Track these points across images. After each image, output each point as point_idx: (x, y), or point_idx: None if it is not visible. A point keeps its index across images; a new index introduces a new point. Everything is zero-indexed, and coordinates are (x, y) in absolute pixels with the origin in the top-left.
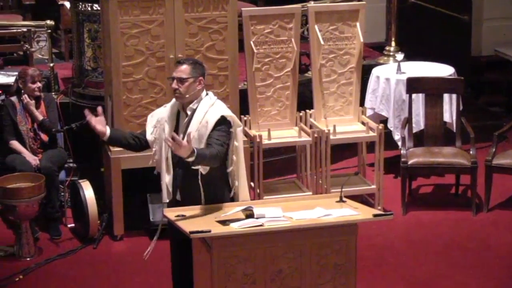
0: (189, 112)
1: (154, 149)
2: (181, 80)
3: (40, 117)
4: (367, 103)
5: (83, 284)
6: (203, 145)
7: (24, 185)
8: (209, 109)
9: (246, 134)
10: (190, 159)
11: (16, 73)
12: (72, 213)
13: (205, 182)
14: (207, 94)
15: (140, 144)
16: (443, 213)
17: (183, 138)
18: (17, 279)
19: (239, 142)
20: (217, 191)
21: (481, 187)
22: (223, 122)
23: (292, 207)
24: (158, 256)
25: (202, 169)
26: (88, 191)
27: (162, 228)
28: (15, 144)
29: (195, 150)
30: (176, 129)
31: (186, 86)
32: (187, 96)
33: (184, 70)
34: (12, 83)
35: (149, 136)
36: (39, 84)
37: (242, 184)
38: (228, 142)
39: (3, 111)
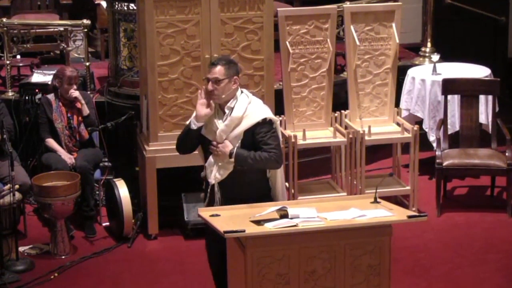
0: (227, 111)
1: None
2: (216, 81)
3: (88, 111)
4: (402, 104)
5: (117, 282)
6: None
7: (60, 184)
8: (248, 106)
9: (281, 134)
10: (231, 160)
11: (53, 72)
12: (106, 211)
13: (245, 181)
14: (242, 92)
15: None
16: (478, 215)
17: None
18: (52, 276)
19: (280, 135)
20: (256, 192)
21: None
22: (267, 123)
23: (327, 207)
24: (192, 256)
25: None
26: (122, 190)
27: (197, 227)
28: (51, 142)
29: (233, 151)
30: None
31: (222, 87)
32: (223, 96)
33: (218, 71)
34: (49, 82)
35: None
36: (75, 87)
37: (279, 184)
38: (279, 142)
39: (39, 109)
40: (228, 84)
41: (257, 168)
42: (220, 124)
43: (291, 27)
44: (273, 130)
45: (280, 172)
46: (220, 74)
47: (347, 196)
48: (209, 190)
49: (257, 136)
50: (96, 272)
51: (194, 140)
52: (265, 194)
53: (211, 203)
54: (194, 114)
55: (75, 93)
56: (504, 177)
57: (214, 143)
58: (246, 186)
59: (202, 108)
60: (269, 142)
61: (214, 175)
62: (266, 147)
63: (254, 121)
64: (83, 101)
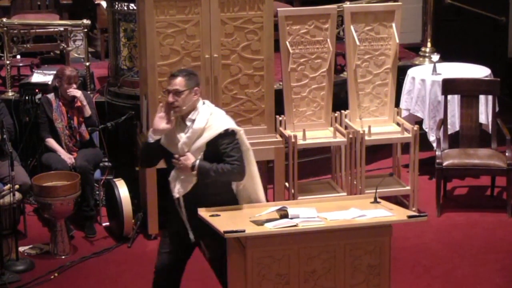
0: (188, 123)
1: None
2: (177, 93)
3: (90, 112)
4: (402, 104)
5: (118, 282)
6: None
7: (60, 184)
8: (209, 118)
9: (281, 134)
10: (194, 172)
11: (53, 72)
12: (106, 211)
13: (209, 194)
14: (203, 103)
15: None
16: (478, 215)
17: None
18: (52, 276)
19: (246, 146)
20: (221, 204)
21: None
22: (229, 134)
23: (327, 207)
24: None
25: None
26: (123, 190)
27: None
28: (51, 142)
29: (196, 164)
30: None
31: (183, 99)
32: (184, 108)
33: (179, 82)
34: (48, 82)
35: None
36: (74, 86)
37: (257, 185)
38: (241, 154)
39: (39, 109)
40: (189, 95)
41: (220, 181)
42: (182, 137)
43: (291, 27)
44: (236, 141)
45: (257, 183)
46: (180, 85)
47: (347, 196)
48: (174, 204)
49: (219, 148)
50: (96, 272)
51: (156, 153)
52: (228, 196)
53: (176, 217)
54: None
55: (76, 92)
56: (504, 177)
57: (176, 156)
58: (211, 198)
59: (160, 122)
60: (231, 154)
61: (178, 188)
62: (229, 159)
63: (216, 132)
64: (85, 102)
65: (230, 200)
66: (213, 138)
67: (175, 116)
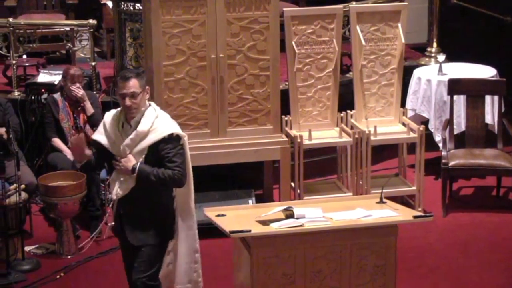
0: (133, 125)
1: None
2: (134, 95)
3: (92, 110)
4: (408, 104)
5: (123, 282)
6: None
7: (65, 183)
8: (155, 121)
9: (287, 134)
10: (134, 175)
11: (59, 72)
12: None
13: (147, 199)
14: (150, 105)
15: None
16: (484, 215)
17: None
18: (58, 276)
19: (187, 151)
20: (158, 210)
21: None
22: (174, 139)
23: (332, 207)
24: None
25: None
26: None
27: (204, 227)
28: (57, 141)
29: (136, 167)
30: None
31: (139, 100)
32: (142, 109)
33: (133, 84)
34: (54, 82)
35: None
36: (77, 85)
37: (190, 194)
38: (184, 160)
39: (45, 109)
40: (144, 96)
41: (160, 186)
42: (124, 139)
43: (297, 27)
44: (179, 147)
45: (190, 192)
46: (135, 87)
47: (353, 196)
48: (112, 205)
49: (162, 152)
50: (102, 272)
51: (98, 162)
52: (168, 214)
53: (116, 220)
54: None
55: (78, 91)
56: (510, 177)
57: (118, 158)
58: (148, 203)
59: (78, 152)
60: (174, 160)
61: (116, 190)
62: (171, 164)
63: (160, 136)
64: (86, 99)
65: (167, 206)
66: (156, 142)
67: (130, 117)
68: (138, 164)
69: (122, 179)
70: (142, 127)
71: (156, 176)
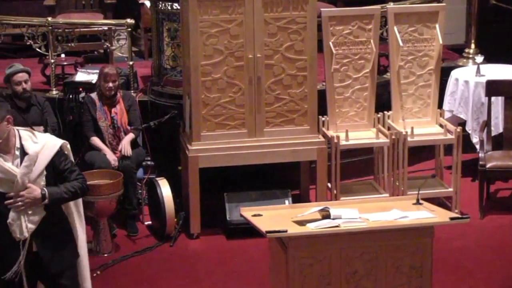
0: (16, 152)
1: None
2: None
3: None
4: (446, 106)
5: (159, 281)
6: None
7: (103, 182)
8: (39, 139)
9: (324, 134)
10: (45, 203)
11: (96, 71)
12: (149, 210)
13: (55, 220)
14: (17, 130)
15: None
16: None
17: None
18: (94, 274)
19: None
20: (61, 230)
21: None
22: (61, 152)
23: (369, 208)
24: (234, 256)
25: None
26: (165, 189)
27: (239, 227)
28: (96, 140)
29: (45, 192)
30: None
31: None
32: (4, 136)
33: None
34: (92, 81)
35: None
36: (110, 84)
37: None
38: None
39: (83, 108)
40: (4, 127)
41: (72, 200)
42: (15, 169)
43: (334, 28)
44: (66, 155)
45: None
46: None
47: (389, 197)
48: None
49: (59, 167)
50: (138, 270)
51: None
52: (68, 222)
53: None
54: None
55: (127, 151)
56: None
57: (12, 194)
58: (56, 222)
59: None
60: (73, 169)
61: (25, 227)
62: (73, 174)
63: (53, 151)
64: (127, 151)
65: (65, 221)
66: (52, 157)
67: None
68: (45, 189)
69: (30, 212)
70: (32, 149)
71: (68, 192)
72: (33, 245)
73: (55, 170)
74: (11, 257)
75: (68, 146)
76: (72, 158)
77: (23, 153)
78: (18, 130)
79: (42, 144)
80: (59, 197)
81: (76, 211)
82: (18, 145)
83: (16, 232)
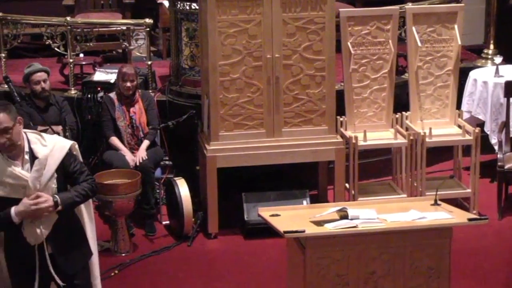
0: (26, 156)
1: None
2: (6, 131)
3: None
4: (464, 106)
5: (177, 281)
6: (53, 185)
7: (121, 181)
8: (47, 141)
9: (342, 135)
10: (59, 209)
11: (115, 70)
12: (167, 210)
13: (62, 223)
14: (25, 133)
15: None
16: None
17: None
18: (112, 274)
19: None
20: (71, 230)
21: None
22: (70, 154)
23: (387, 209)
24: (252, 256)
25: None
26: (183, 189)
27: (257, 227)
28: (115, 140)
29: (57, 199)
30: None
31: (15, 134)
32: (19, 142)
33: (4, 119)
34: (110, 80)
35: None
36: (128, 84)
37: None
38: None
39: (102, 107)
40: (18, 128)
41: (84, 202)
42: (26, 174)
43: (352, 28)
44: (75, 156)
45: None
46: (6, 121)
47: (407, 198)
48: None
49: (69, 169)
50: (155, 270)
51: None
52: (77, 229)
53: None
54: (14, 209)
55: (139, 158)
56: None
57: (28, 201)
58: (67, 223)
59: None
60: (83, 170)
61: (40, 232)
62: (83, 176)
63: (63, 153)
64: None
65: (77, 220)
66: (61, 161)
67: (10, 154)
68: (57, 196)
69: (43, 218)
70: (42, 151)
71: (80, 196)
72: (46, 248)
73: (65, 172)
74: (26, 262)
75: (76, 146)
76: (80, 158)
77: (33, 157)
78: (26, 133)
79: (51, 147)
80: (71, 202)
81: (86, 211)
82: (27, 149)
83: (31, 238)
